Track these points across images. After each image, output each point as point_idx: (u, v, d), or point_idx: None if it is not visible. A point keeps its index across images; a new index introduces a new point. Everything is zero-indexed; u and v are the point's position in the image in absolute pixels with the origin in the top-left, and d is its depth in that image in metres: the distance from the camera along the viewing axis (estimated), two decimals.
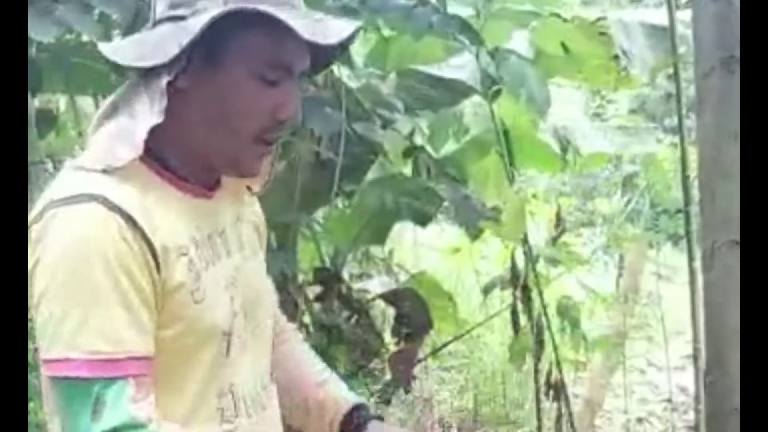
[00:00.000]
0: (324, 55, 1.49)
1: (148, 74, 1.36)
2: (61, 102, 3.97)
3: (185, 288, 1.36)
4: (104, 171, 1.32)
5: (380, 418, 1.68)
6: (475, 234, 3.71)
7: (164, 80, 1.34)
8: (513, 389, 6.98)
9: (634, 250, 6.69)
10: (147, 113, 1.34)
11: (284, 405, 1.61)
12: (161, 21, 1.38)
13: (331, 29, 1.40)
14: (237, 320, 1.44)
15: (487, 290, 3.84)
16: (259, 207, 1.66)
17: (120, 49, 1.40)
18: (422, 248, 7.58)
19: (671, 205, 7.17)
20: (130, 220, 1.30)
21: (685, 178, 3.68)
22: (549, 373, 3.80)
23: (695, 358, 3.31)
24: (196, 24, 1.32)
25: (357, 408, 1.67)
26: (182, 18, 1.35)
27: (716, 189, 2.54)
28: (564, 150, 4.03)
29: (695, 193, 2.79)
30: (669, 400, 6.86)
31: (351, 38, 1.45)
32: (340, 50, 1.51)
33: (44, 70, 2.78)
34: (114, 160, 1.33)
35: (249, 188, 1.61)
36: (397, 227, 4.90)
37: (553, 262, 3.55)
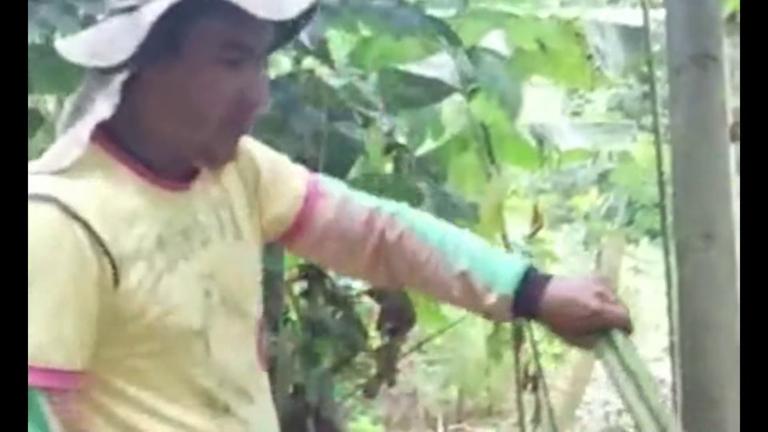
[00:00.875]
0: (289, 30, 1.49)
1: (104, 71, 1.32)
2: (50, 103, 3.99)
3: (143, 293, 1.32)
4: (61, 171, 1.29)
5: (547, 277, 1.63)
6: None
7: (121, 77, 1.31)
8: (496, 382, 7.06)
9: (612, 245, 6.76)
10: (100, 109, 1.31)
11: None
12: (114, 12, 1.34)
13: (287, 3, 1.36)
14: (215, 316, 1.40)
15: None
16: (251, 153, 1.58)
17: (74, 46, 1.36)
18: None
19: (648, 201, 7.25)
20: (86, 226, 1.27)
21: (660, 174, 3.74)
22: (527, 366, 3.88)
23: (672, 350, 3.38)
24: (148, 15, 1.28)
25: (521, 286, 1.60)
26: (134, 8, 1.31)
27: (689, 183, 2.61)
28: (541, 146, 4.10)
29: (671, 189, 2.84)
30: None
31: (313, 9, 1.43)
32: (305, 22, 1.49)
33: (32, 71, 2.81)
34: (64, 160, 1.29)
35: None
36: None
37: (530, 257, 3.62)
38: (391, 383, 4.51)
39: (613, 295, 1.58)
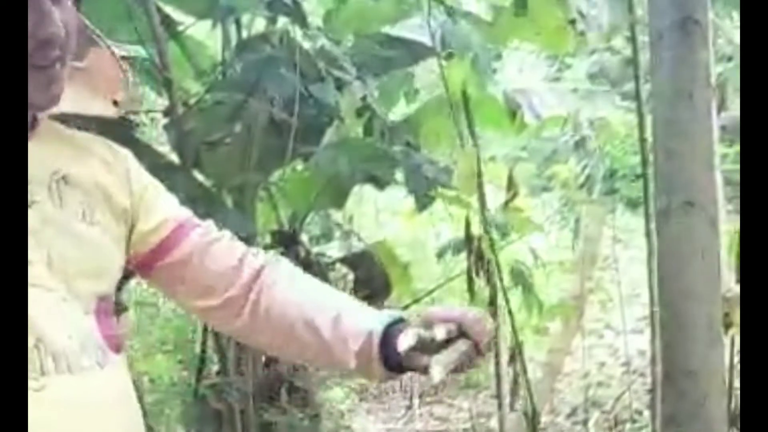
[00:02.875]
0: None
1: None
2: None
3: None
4: None
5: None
6: (423, 204, 3.71)
7: None
8: None
9: (591, 214, 6.71)
10: None
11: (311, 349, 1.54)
12: None
13: None
14: (37, 269, 1.31)
15: (440, 255, 3.82)
16: (132, 176, 1.52)
17: None
18: (384, 213, 7.56)
19: (629, 169, 7.19)
20: None
21: (642, 141, 3.67)
22: (504, 338, 3.81)
23: (652, 320, 3.33)
24: None
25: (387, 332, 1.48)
26: None
27: (670, 150, 2.54)
28: (516, 112, 4.01)
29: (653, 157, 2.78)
30: (627, 363, 6.92)
31: None
32: None
33: None
34: None
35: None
36: (358, 191, 4.87)
37: (505, 227, 3.54)
38: None
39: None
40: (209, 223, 1.59)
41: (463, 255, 3.89)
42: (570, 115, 5.22)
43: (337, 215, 5.22)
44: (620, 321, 6.28)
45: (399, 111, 4.16)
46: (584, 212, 6.71)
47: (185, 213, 1.58)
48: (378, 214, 7.39)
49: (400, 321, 1.47)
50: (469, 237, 3.36)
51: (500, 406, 4.02)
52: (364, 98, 3.65)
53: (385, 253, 4.07)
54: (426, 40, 3.49)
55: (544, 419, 5.67)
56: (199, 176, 3.64)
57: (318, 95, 3.30)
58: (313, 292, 1.56)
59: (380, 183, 3.87)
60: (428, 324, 1.39)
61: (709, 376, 2.47)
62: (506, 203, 3.57)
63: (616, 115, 5.88)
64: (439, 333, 1.35)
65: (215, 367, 4.52)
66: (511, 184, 3.62)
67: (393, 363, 1.45)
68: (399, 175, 3.70)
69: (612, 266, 6.63)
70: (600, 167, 6.71)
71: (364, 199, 6.69)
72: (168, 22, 3.56)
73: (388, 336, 1.44)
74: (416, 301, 4.67)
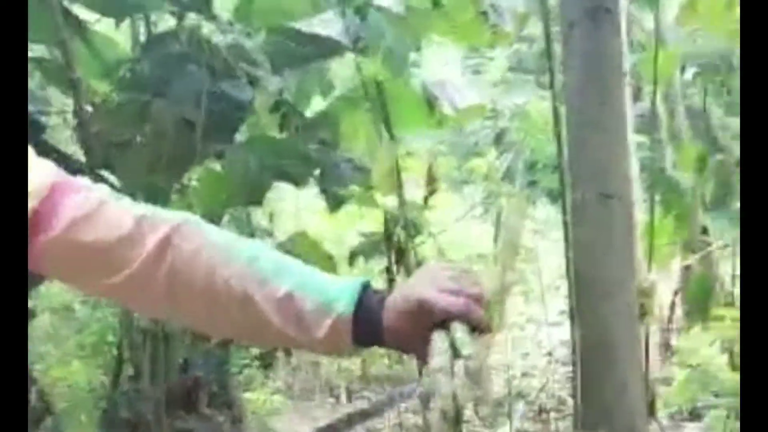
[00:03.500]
0: None
1: None
2: None
3: None
4: None
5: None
6: (335, 205, 3.66)
7: None
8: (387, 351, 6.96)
9: (512, 207, 6.69)
10: None
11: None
12: None
13: None
14: None
15: (353, 256, 3.76)
16: None
17: None
18: (304, 211, 7.48)
19: (549, 160, 7.19)
20: None
21: (557, 132, 3.65)
22: None
23: (571, 312, 3.31)
24: None
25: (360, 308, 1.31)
26: None
27: (583, 140, 2.52)
28: (434, 105, 3.97)
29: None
30: (550, 353, 6.94)
31: None
32: None
33: None
34: None
35: None
36: (278, 190, 4.78)
37: (424, 222, 3.50)
38: (289, 353, 4.37)
39: (462, 281, 1.30)
40: (95, 186, 1.37)
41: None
42: (489, 107, 5.21)
43: (256, 214, 5.14)
44: (542, 312, 6.30)
45: (315, 107, 4.09)
46: (505, 204, 6.70)
47: (61, 176, 1.34)
48: (299, 212, 7.30)
49: (365, 289, 1.31)
50: (388, 234, 3.31)
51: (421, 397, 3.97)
52: (279, 94, 3.58)
53: (307, 245, 3.98)
54: (339, 35, 3.43)
55: (468, 412, 5.66)
56: (111, 177, 3.54)
57: (230, 91, 3.22)
58: (244, 258, 1.32)
59: (296, 180, 3.80)
60: (426, 311, 1.26)
61: (628, 366, 2.46)
62: (426, 199, 3.52)
63: (535, 105, 5.87)
64: (462, 338, 1.22)
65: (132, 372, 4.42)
66: (430, 179, 3.57)
67: (366, 340, 1.32)
68: (317, 173, 3.65)
69: (533, 259, 6.65)
70: (520, 159, 6.71)
71: (285, 197, 6.61)
72: (72, 20, 3.45)
73: (361, 314, 1.29)
74: None
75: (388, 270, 3.53)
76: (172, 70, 3.08)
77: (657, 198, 2.98)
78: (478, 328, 1.24)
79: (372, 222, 5.67)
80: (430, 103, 4.11)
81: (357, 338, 1.30)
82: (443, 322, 1.24)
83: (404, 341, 1.31)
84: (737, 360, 3.98)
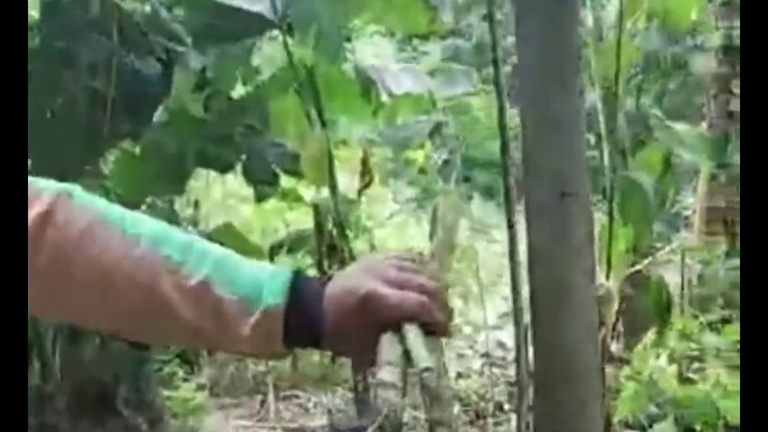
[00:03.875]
0: None
1: None
2: None
3: None
4: None
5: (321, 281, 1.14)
6: (262, 194, 3.37)
7: None
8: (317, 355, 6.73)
9: (448, 203, 6.51)
10: None
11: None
12: None
13: None
14: None
15: (274, 249, 3.45)
16: None
17: None
18: (232, 199, 7.20)
19: (487, 156, 7.01)
20: None
21: (502, 128, 3.43)
22: None
23: (516, 317, 3.08)
24: None
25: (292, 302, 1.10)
26: None
27: (541, 135, 2.28)
28: (370, 91, 3.71)
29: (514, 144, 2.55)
30: (487, 355, 6.78)
31: None
32: None
33: None
34: None
35: None
36: (204, 177, 4.52)
37: (358, 215, 3.22)
38: None
39: (417, 273, 1.10)
40: None
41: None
42: (426, 97, 4.98)
43: (181, 201, 4.88)
44: (479, 315, 6.12)
45: (242, 89, 3.81)
46: (441, 201, 6.49)
47: None
48: (226, 202, 7.01)
49: (299, 277, 1.11)
50: (319, 227, 3.02)
51: (357, 402, 3.72)
52: (202, 72, 3.29)
53: (233, 236, 3.70)
54: (266, 11, 3.16)
55: (405, 414, 5.48)
56: None
57: (144, 66, 2.93)
58: (146, 240, 1.10)
59: (222, 167, 3.51)
60: (372, 308, 1.06)
61: (587, 383, 2.23)
62: (360, 190, 3.25)
63: (475, 98, 5.69)
64: (417, 344, 1.01)
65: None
66: (365, 170, 3.29)
67: (300, 339, 1.11)
68: (239, 158, 3.37)
69: (471, 258, 6.45)
70: (458, 153, 6.50)
71: (210, 184, 6.33)
72: None
73: (294, 307, 1.09)
74: None
75: (319, 266, 3.23)
76: (78, 39, 2.78)
77: (615, 200, 2.75)
78: (435, 332, 1.05)
79: (303, 214, 5.41)
80: (365, 89, 3.85)
81: (289, 337, 1.10)
82: (394, 322, 1.05)
83: (346, 343, 1.11)
84: (684, 372, 3.90)
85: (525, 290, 2.87)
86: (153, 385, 4.69)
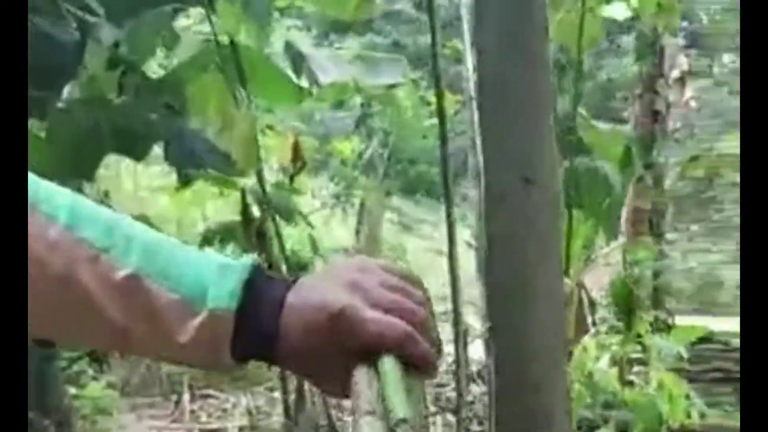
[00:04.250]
0: None
1: None
2: None
3: None
4: None
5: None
6: (186, 181, 3.10)
7: None
8: None
9: (373, 198, 6.34)
10: None
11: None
12: None
13: None
14: None
15: (206, 240, 3.14)
16: None
17: None
18: (144, 191, 6.91)
19: (413, 150, 6.84)
20: None
21: (441, 117, 3.24)
22: None
23: (456, 318, 2.87)
24: None
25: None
26: None
27: (502, 117, 2.09)
28: (298, 73, 3.46)
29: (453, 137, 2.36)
30: None
31: None
32: None
33: None
34: None
35: None
36: (114, 166, 4.23)
37: (287, 206, 2.94)
38: None
39: (407, 294, 0.89)
40: None
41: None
42: (353, 85, 4.78)
43: (90, 191, 4.59)
44: None
45: (160, 69, 3.53)
46: (366, 195, 6.29)
47: None
48: (137, 192, 6.71)
49: (256, 275, 0.88)
50: (246, 214, 2.73)
51: (286, 402, 3.47)
52: (115, 47, 3.00)
53: None
54: None
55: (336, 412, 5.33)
56: None
57: (52, 32, 2.62)
58: (62, 219, 0.90)
59: (136, 153, 3.23)
60: (347, 330, 0.85)
61: (554, 391, 2.01)
62: (292, 177, 2.98)
63: (404, 88, 5.49)
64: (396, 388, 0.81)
65: None
66: (297, 155, 3.01)
67: (252, 351, 0.89)
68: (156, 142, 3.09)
69: (399, 254, 6.28)
70: (385, 146, 6.31)
71: (122, 172, 6.03)
72: None
73: (247, 314, 0.87)
74: None
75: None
76: None
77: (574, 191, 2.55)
78: (418, 368, 0.84)
79: (223, 204, 5.12)
80: (289, 76, 3.61)
81: (238, 348, 0.89)
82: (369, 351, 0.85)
83: (307, 365, 0.91)
84: (626, 374, 3.77)
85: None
86: (60, 384, 4.40)
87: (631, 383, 3.85)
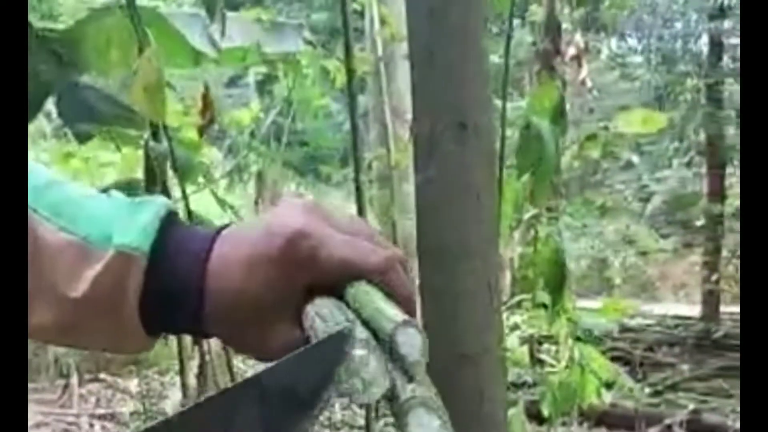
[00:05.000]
0: None
1: None
2: None
3: None
4: None
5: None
6: (83, 137, 2.80)
7: None
8: None
9: (275, 166, 6.11)
10: None
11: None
12: None
13: None
14: None
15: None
16: None
17: None
18: (36, 150, 6.54)
19: (316, 120, 6.61)
20: None
21: (350, 72, 3.01)
22: None
23: None
24: None
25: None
26: None
27: (435, 53, 1.87)
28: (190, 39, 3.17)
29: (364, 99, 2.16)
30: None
31: None
32: None
33: None
34: None
35: None
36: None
37: (193, 163, 2.66)
38: None
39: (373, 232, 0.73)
40: None
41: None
42: (253, 49, 4.52)
43: None
44: None
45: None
46: (266, 165, 6.04)
47: None
48: (32, 152, 6.34)
49: (170, 216, 0.71)
50: (150, 172, 2.45)
51: (185, 386, 3.20)
52: None
53: None
54: None
55: None
56: None
57: None
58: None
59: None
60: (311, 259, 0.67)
61: (488, 363, 1.81)
62: (201, 129, 2.70)
63: (305, 55, 5.24)
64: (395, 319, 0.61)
65: None
66: (206, 106, 2.73)
67: (167, 314, 0.70)
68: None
69: None
70: (286, 117, 6.05)
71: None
72: None
73: (167, 254, 0.69)
74: None
75: None
76: None
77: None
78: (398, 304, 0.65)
79: (121, 174, 4.79)
80: (186, 37, 3.32)
81: (151, 308, 0.70)
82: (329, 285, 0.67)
83: (241, 321, 0.69)
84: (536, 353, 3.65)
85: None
86: None
87: (541, 362, 3.74)
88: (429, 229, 1.85)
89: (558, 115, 2.38)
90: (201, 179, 2.75)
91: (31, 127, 3.45)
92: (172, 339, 3.41)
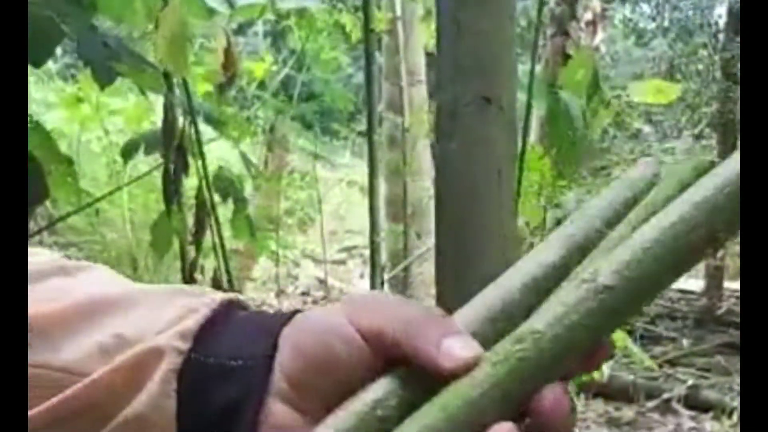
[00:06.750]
0: None
1: None
2: None
3: None
4: None
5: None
6: (107, 81, 2.75)
7: None
8: (152, 275, 6.11)
9: (287, 124, 6.05)
10: None
11: None
12: None
13: None
14: None
15: (127, 153, 2.76)
16: None
17: None
18: (36, 98, 6.46)
19: (328, 74, 6.53)
20: None
21: (367, 30, 2.98)
22: (195, 261, 2.91)
23: (372, 259, 2.61)
24: None
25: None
26: None
27: (462, 30, 1.82)
28: None
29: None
30: (307, 293, 6.40)
31: None
32: None
33: None
34: None
35: None
36: None
37: (215, 120, 2.61)
38: None
39: None
40: None
41: (140, 157, 2.95)
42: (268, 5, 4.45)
43: None
44: (319, 248, 5.72)
45: None
46: (279, 121, 5.98)
47: None
48: (30, 101, 6.25)
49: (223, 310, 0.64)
50: (168, 127, 2.41)
51: None
52: None
53: (41, 142, 3.05)
54: None
55: None
56: None
57: None
58: None
59: (35, 57, 2.87)
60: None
61: None
62: (221, 86, 2.65)
63: (320, 8, 5.18)
64: None
65: None
66: (229, 60, 2.67)
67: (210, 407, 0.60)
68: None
69: (311, 186, 6.01)
70: (299, 70, 5.98)
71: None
72: None
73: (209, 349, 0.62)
74: (79, 209, 3.70)
75: (166, 172, 2.56)
76: None
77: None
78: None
79: (130, 120, 4.76)
80: None
81: (190, 401, 0.61)
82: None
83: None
84: None
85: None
86: None
87: None
88: (447, 201, 1.83)
89: (594, 93, 2.33)
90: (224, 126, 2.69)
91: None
92: None
